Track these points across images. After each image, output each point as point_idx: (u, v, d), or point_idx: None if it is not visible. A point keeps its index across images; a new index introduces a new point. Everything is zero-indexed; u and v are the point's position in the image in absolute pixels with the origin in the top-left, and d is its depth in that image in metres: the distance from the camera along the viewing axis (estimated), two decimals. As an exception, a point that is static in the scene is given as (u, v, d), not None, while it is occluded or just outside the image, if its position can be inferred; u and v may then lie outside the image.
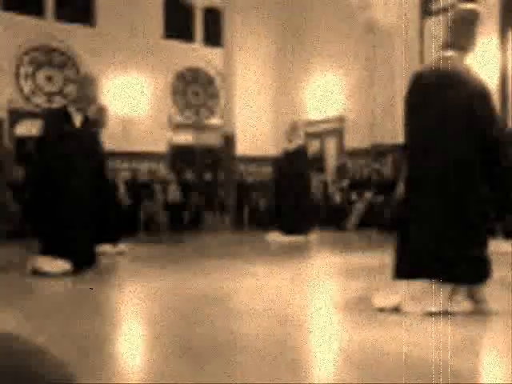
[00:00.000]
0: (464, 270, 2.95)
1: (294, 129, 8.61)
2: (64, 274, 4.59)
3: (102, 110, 6.10)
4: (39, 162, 4.94)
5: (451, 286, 2.98)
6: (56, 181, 4.71)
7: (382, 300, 3.11)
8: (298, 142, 8.57)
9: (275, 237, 8.16)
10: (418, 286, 3.02)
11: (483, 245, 3.02)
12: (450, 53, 3.11)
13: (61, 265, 4.62)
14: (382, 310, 3.04)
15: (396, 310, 3.03)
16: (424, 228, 3.07)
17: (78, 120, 4.98)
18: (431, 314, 2.90)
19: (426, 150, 3.07)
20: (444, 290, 2.97)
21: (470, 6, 3.23)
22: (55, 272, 4.55)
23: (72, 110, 4.98)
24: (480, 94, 2.96)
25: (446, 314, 2.92)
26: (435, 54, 3.31)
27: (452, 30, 3.12)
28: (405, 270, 3.11)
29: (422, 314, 2.91)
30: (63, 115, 4.95)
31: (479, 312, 2.99)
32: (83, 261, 4.79)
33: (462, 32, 3.09)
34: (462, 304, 2.97)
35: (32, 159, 5.53)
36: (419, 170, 3.12)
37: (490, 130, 2.93)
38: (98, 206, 5.01)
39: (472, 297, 3.02)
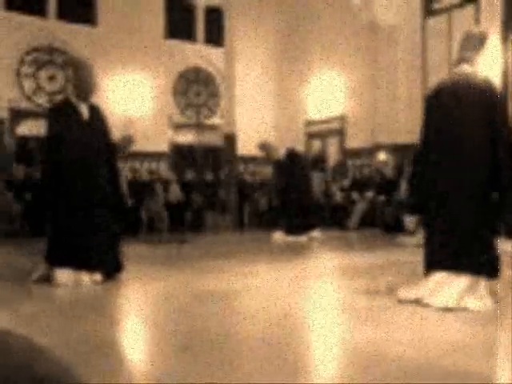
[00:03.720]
0: (485, 263, 3.19)
1: (268, 149, 8.59)
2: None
3: (129, 138, 5.67)
4: (49, 164, 4.42)
5: (471, 281, 3.15)
6: (68, 184, 4.30)
7: (404, 293, 3.34)
8: (280, 154, 8.52)
9: (279, 237, 8.17)
10: (440, 278, 3.20)
11: (495, 242, 3.30)
12: (465, 67, 3.48)
13: (78, 277, 4.26)
14: (402, 301, 3.23)
15: (403, 306, 3.04)
16: (448, 222, 3.30)
17: (84, 111, 4.50)
18: (446, 309, 3.01)
19: (452, 156, 3.34)
20: (465, 284, 3.13)
21: (480, 29, 3.79)
22: (71, 284, 4.21)
23: (75, 101, 4.50)
24: (496, 103, 3.29)
25: (462, 309, 3.03)
26: (452, 69, 3.70)
27: (466, 48, 3.51)
28: (435, 262, 3.30)
29: (442, 307, 3.04)
30: (68, 108, 4.47)
31: (489, 310, 3.04)
32: (107, 269, 4.38)
33: (475, 50, 3.49)
34: (483, 300, 3.11)
35: (42, 161, 4.94)
36: (445, 174, 3.36)
37: (504, 136, 3.23)
38: (114, 206, 4.61)
39: (491, 294, 3.17)
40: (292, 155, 8.43)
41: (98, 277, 4.31)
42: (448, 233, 3.29)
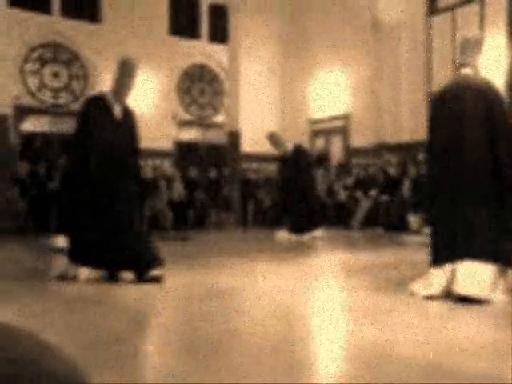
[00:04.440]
0: (506, 253, 3.33)
1: (275, 140, 8.52)
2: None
3: None
4: (77, 160, 4.28)
5: (497, 272, 3.26)
6: (94, 182, 4.21)
7: (422, 289, 3.43)
8: (288, 146, 8.46)
9: (282, 235, 8.17)
10: (466, 267, 3.28)
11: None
12: (467, 71, 3.64)
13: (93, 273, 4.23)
14: (430, 297, 3.32)
15: (417, 301, 3.03)
16: (464, 213, 3.40)
17: (117, 111, 4.37)
18: (479, 301, 3.13)
19: (463, 151, 3.46)
20: (493, 275, 3.25)
21: (478, 33, 4.03)
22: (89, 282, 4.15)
23: (111, 99, 4.37)
24: (497, 105, 3.45)
25: (474, 304, 3.10)
26: (453, 73, 4.00)
27: (465, 52, 3.67)
28: (447, 253, 3.39)
29: (476, 297, 3.15)
30: (103, 105, 4.34)
31: (502, 307, 3.08)
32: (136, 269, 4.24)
33: (473, 54, 3.67)
34: (507, 292, 3.25)
35: (68, 155, 4.78)
36: (453, 170, 3.49)
37: (504, 139, 3.38)
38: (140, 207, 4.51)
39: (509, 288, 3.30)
40: (299, 151, 8.42)
41: (128, 275, 4.22)
42: (467, 223, 3.37)
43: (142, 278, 4.19)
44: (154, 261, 4.27)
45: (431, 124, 3.71)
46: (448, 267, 3.36)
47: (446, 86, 3.70)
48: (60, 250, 6.34)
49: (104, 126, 4.28)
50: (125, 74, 4.36)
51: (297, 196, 8.23)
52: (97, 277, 4.24)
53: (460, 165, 3.44)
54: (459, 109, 3.49)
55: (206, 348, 2.36)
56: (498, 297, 3.23)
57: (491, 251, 3.29)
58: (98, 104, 4.35)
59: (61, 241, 6.48)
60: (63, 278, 4.25)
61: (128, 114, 4.50)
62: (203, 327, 2.75)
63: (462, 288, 3.23)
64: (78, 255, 4.26)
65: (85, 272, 4.22)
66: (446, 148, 3.54)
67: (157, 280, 4.16)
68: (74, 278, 4.20)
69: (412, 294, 3.47)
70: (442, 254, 3.44)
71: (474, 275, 3.23)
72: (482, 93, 3.46)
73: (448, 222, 3.46)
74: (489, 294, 3.19)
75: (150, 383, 1.95)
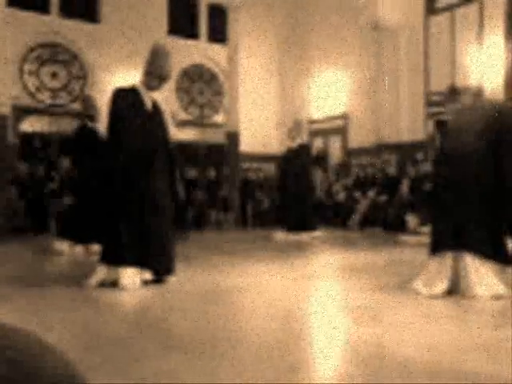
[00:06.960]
0: (506, 250, 3.41)
1: (297, 127, 8.60)
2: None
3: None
4: (116, 154, 3.98)
5: (500, 267, 3.34)
6: (130, 177, 3.95)
7: (425, 286, 3.48)
8: (299, 140, 8.53)
9: (281, 235, 8.18)
10: (467, 264, 3.35)
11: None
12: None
13: (138, 275, 3.98)
14: (433, 297, 3.35)
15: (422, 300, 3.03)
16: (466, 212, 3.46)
17: (148, 103, 4.11)
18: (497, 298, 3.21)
19: (466, 159, 3.54)
20: (497, 270, 3.33)
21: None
22: (133, 285, 3.92)
23: (142, 90, 4.11)
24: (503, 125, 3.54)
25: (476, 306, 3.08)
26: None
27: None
28: (446, 242, 3.46)
29: (492, 296, 3.23)
30: (134, 95, 4.08)
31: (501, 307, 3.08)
32: (164, 269, 4.10)
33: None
34: (499, 287, 3.29)
35: (105, 149, 4.28)
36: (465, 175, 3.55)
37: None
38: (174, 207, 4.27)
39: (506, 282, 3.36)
40: (303, 149, 8.47)
41: (147, 275, 4.04)
42: (468, 221, 3.43)
43: (158, 280, 4.07)
44: (173, 266, 4.19)
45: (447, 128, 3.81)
46: (448, 264, 3.40)
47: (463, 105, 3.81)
48: (60, 252, 6.32)
49: (136, 117, 4.02)
50: (155, 61, 4.08)
51: (295, 195, 8.23)
52: (141, 282, 3.98)
53: (465, 168, 3.51)
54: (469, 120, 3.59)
55: (206, 348, 2.36)
56: (505, 290, 3.28)
57: (491, 249, 3.35)
58: (130, 93, 4.10)
59: (63, 244, 6.42)
60: (103, 285, 4.00)
61: (157, 106, 4.26)
62: (204, 327, 2.75)
63: (471, 290, 3.29)
64: (114, 255, 3.99)
65: (127, 274, 3.94)
66: (453, 152, 3.62)
67: (160, 281, 4.11)
68: (115, 284, 3.94)
69: (415, 293, 3.49)
70: (441, 242, 3.50)
71: (480, 275, 3.29)
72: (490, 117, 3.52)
73: (450, 218, 3.51)
74: (495, 292, 3.25)
75: (146, 382, 1.95)
